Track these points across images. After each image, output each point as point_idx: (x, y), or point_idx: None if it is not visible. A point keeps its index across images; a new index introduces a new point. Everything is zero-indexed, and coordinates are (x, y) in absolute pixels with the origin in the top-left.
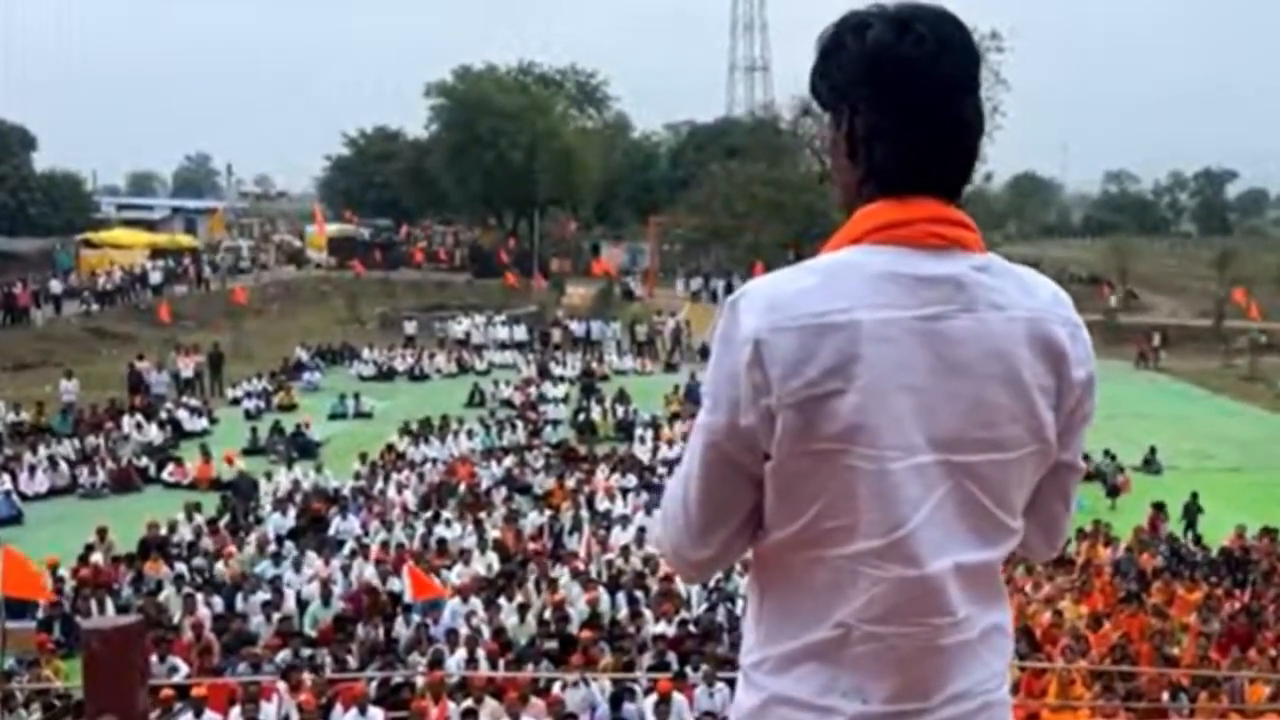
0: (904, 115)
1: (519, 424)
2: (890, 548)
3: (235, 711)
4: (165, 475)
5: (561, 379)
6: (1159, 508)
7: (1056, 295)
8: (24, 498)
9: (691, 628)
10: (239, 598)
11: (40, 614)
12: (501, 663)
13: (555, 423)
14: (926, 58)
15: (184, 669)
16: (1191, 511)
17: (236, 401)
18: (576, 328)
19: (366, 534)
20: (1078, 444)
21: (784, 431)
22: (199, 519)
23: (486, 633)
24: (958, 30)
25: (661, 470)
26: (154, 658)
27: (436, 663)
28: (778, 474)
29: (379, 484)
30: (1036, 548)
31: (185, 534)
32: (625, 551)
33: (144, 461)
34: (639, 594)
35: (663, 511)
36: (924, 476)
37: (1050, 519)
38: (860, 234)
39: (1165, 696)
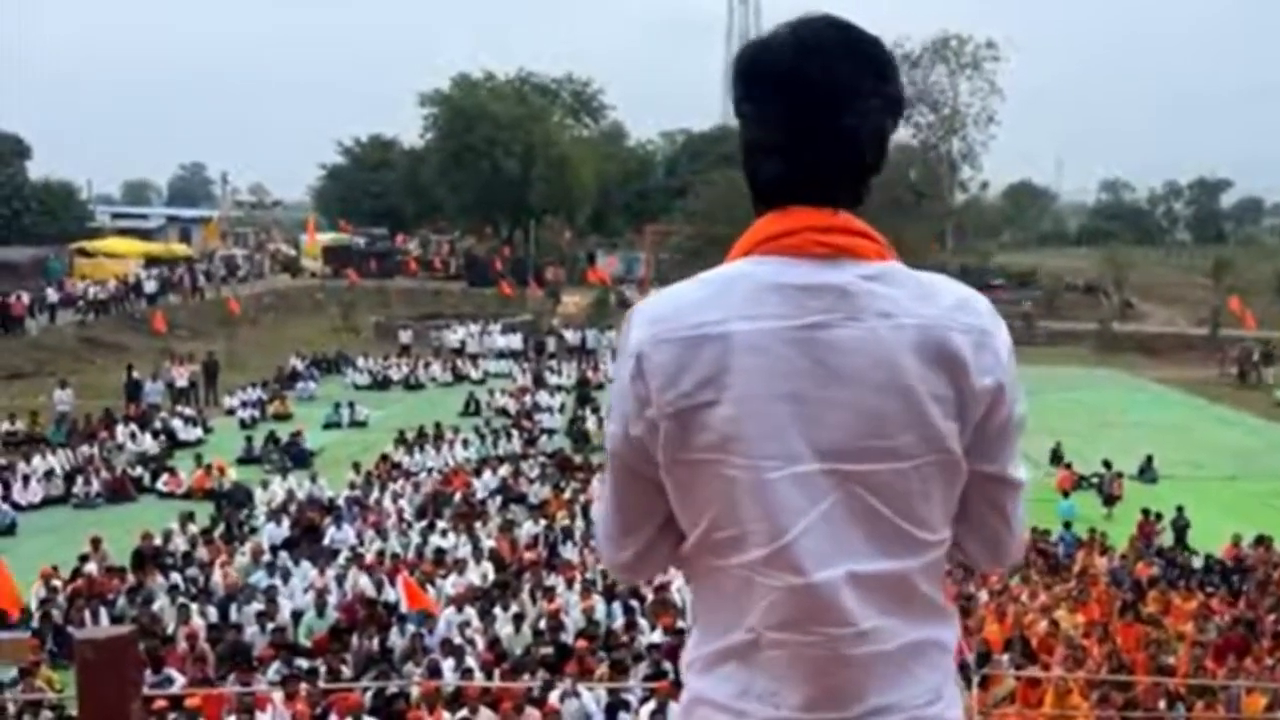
0: (777, 125)
1: (514, 433)
2: (774, 556)
3: None
4: (160, 485)
5: (557, 388)
6: (1148, 515)
7: (964, 303)
8: (18, 507)
9: (687, 636)
10: (233, 608)
11: (35, 624)
12: (497, 672)
13: (550, 432)
14: (792, 64)
15: (180, 680)
16: (1179, 526)
17: (231, 411)
18: (572, 336)
19: (361, 544)
20: (1003, 455)
21: (665, 442)
22: (193, 529)
23: (481, 642)
24: (842, 35)
25: None
26: (148, 669)
27: (434, 672)
28: (668, 483)
29: (374, 493)
30: (980, 561)
31: (180, 544)
32: None
33: (138, 471)
34: (634, 603)
35: (595, 515)
36: (808, 485)
37: (988, 533)
38: (750, 245)
39: (1162, 705)
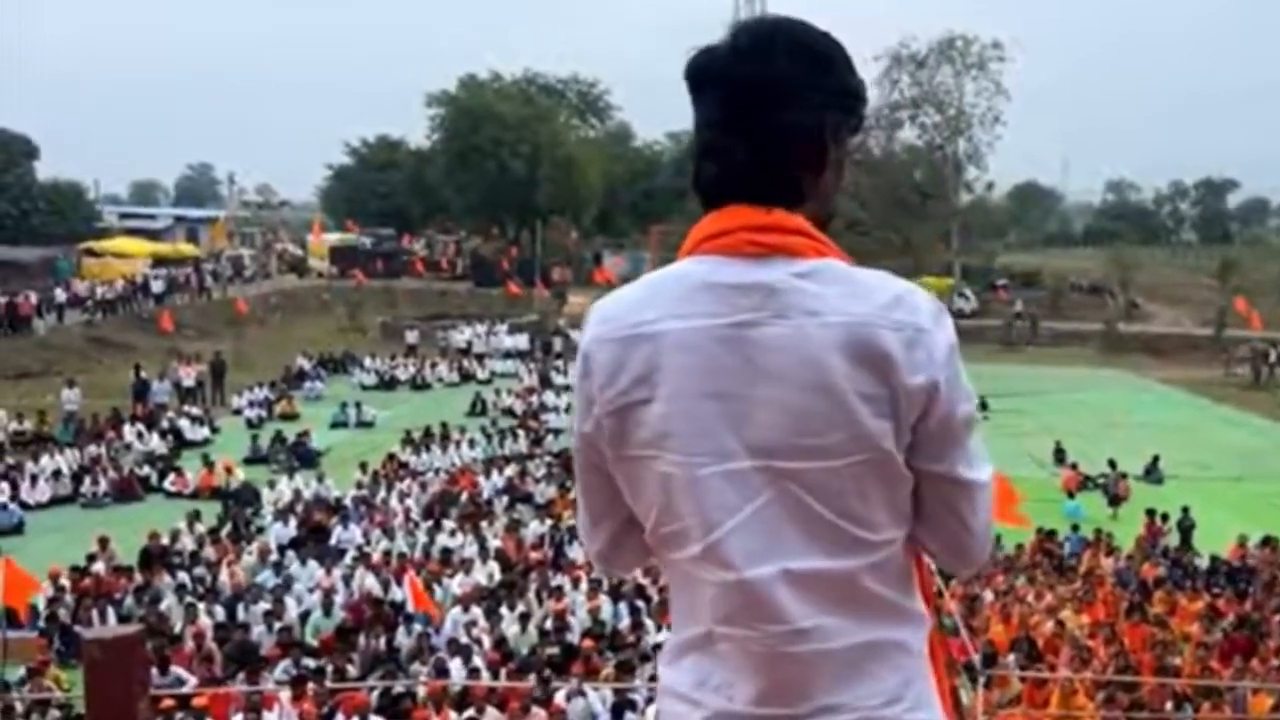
0: (717, 127)
1: (521, 433)
2: (707, 552)
3: None
4: (167, 485)
5: (563, 388)
6: (1153, 515)
7: (898, 300)
8: (25, 507)
9: None
10: (240, 607)
11: (42, 623)
12: (503, 672)
13: (557, 431)
14: (726, 66)
15: (191, 680)
16: (1185, 526)
17: (238, 411)
18: (578, 337)
19: (368, 543)
20: (951, 455)
21: (608, 438)
22: (200, 528)
23: (487, 642)
24: (784, 33)
25: None
26: (155, 669)
27: (441, 672)
28: (618, 478)
29: (381, 493)
30: (946, 562)
31: (187, 543)
32: None
33: (146, 471)
34: (640, 603)
35: None
36: (740, 482)
37: (947, 534)
38: (692, 246)
39: (1168, 706)
